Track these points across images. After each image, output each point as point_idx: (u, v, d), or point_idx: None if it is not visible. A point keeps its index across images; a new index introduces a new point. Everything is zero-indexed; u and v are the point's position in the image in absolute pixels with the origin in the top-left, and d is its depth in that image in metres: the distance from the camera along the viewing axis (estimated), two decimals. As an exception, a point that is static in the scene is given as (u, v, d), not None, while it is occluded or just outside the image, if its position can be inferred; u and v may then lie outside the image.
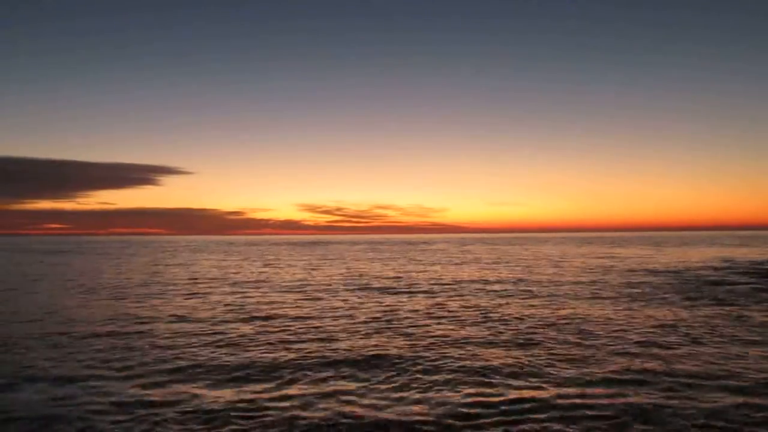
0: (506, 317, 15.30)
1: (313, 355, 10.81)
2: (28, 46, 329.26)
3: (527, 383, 8.75)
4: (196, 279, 27.55)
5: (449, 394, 8.23)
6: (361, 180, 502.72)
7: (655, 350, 11.02)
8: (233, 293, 21.18)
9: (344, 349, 11.22)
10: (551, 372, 9.40)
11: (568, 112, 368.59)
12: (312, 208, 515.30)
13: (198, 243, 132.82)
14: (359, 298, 19.59)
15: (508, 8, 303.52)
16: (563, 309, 16.59)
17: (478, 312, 16.17)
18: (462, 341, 12.08)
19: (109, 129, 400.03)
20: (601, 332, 12.92)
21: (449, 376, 9.25)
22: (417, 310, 16.46)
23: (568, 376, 9.15)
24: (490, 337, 12.52)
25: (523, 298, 19.13)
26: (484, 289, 21.80)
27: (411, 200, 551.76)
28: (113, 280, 27.09)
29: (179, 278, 28.45)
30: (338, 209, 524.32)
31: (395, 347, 11.37)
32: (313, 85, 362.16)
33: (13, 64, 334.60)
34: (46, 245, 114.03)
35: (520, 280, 25.78)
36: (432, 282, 25.13)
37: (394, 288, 22.83)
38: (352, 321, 14.71)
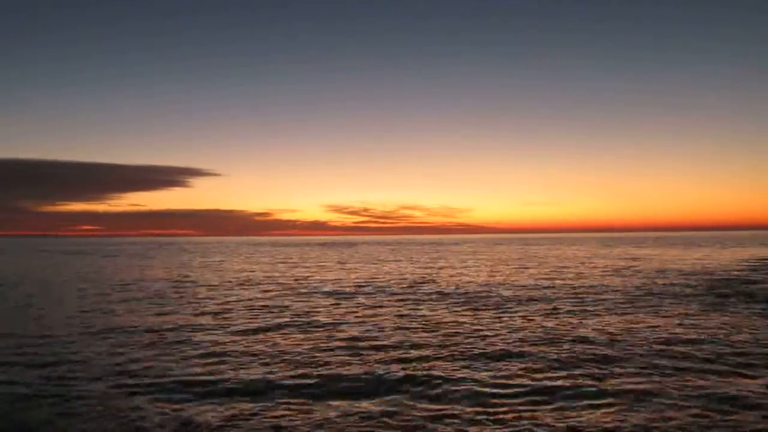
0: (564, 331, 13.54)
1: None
2: (60, 50, 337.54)
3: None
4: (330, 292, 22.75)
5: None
6: (388, 181, 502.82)
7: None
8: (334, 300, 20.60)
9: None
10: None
11: (599, 111, 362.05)
12: (338, 209, 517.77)
13: (237, 244, 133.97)
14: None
15: (538, 7, 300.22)
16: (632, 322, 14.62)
17: (542, 328, 13.92)
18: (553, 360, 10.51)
19: (139, 132, 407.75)
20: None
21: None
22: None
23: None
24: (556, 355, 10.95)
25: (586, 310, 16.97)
26: (540, 298, 19.90)
27: (437, 201, 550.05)
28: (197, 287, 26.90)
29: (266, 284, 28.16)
30: (365, 210, 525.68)
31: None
32: (339, 86, 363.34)
33: (47, 69, 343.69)
34: (86, 246, 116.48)
35: (573, 288, 24.42)
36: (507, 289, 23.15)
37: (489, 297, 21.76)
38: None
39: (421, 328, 14.13)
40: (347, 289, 23.41)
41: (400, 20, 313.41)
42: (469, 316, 16.07)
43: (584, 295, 20.53)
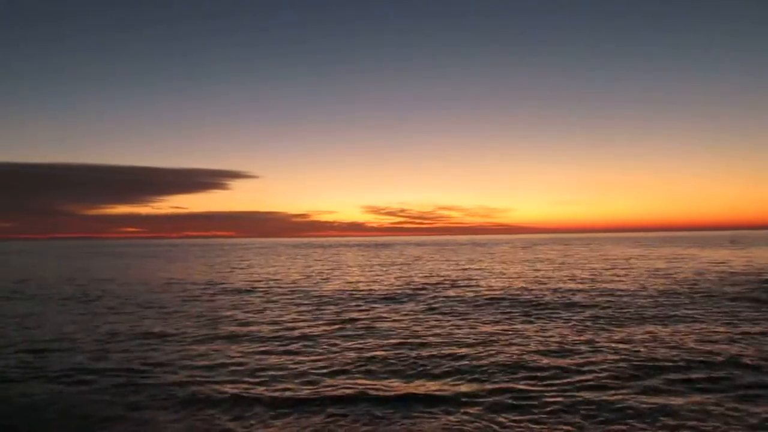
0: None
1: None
2: (108, 56, 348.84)
3: None
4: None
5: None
6: (425, 181, 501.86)
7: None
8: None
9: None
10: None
11: (636, 110, 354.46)
12: (376, 210, 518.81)
13: (284, 245, 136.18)
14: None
15: (572, 6, 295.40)
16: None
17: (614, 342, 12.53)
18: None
19: (180, 136, 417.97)
20: None
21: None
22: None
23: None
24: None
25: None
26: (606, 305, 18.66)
27: (474, 201, 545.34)
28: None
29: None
30: (402, 211, 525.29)
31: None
32: (375, 88, 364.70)
33: (95, 76, 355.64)
34: (142, 248, 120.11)
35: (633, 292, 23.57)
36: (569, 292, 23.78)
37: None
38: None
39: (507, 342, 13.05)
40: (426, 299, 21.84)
41: (434, 21, 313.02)
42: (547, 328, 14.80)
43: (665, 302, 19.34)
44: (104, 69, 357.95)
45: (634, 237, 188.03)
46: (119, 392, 9.36)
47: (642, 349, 11.92)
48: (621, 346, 12.30)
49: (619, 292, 22.02)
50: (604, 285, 25.08)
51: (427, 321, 16.19)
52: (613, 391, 9.06)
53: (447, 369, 10.67)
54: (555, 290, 23.22)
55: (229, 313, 17.98)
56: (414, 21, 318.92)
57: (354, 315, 17.43)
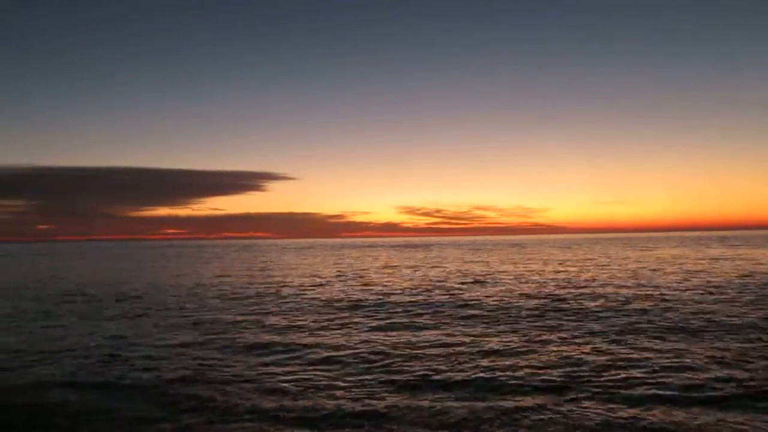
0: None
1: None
2: (150, 62, 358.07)
3: None
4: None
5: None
6: (460, 181, 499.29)
7: None
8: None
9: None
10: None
11: (676, 106, 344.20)
12: (411, 210, 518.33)
13: (323, 245, 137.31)
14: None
15: (613, 4, 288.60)
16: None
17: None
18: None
19: (219, 138, 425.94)
20: None
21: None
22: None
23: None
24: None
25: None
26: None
27: (511, 201, 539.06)
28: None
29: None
30: (437, 211, 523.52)
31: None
32: (410, 88, 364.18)
33: (134, 80, 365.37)
34: (189, 249, 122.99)
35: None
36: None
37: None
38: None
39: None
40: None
41: (466, 18, 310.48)
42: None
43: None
44: (148, 74, 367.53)
45: (679, 236, 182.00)
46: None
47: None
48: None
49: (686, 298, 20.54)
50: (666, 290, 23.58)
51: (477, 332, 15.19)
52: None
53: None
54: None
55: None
56: (446, 19, 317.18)
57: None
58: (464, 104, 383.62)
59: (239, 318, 17.20)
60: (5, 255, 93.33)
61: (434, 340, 13.26)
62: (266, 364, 11.20)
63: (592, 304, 18.76)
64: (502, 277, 30.82)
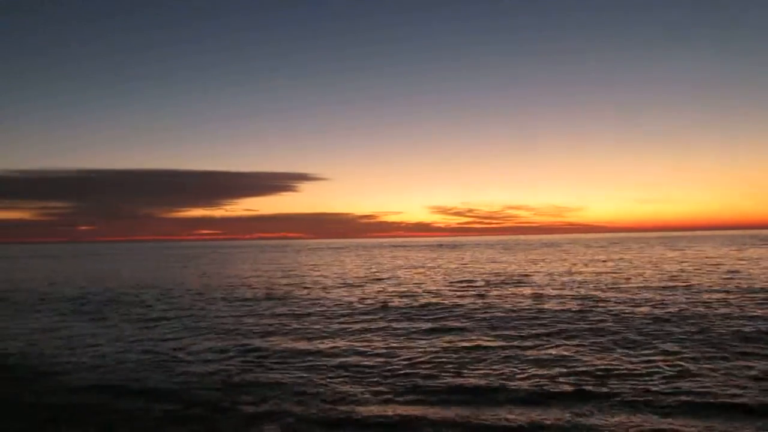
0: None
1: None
2: (183, 64, 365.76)
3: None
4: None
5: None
6: (492, 181, 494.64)
7: None
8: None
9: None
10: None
11: (723, 100, 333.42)
12: (443, 210, 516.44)
13: (364, 246, 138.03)
14: None
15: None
16: None
17: None
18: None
19: (251, 140, 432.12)
20: None
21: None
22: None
23: None
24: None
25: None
26: None
27: (544, 200, 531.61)
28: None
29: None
30: (469, 211, 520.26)
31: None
32: (442, 87, 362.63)
33: (169, 84, 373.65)
34: (225, 249, 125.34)
35: None
36: None
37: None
38: None
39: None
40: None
41: (496, 17, 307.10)
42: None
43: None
44: (185, 78, 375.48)
45: (723, 235, 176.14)
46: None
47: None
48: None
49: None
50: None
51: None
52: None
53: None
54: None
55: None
56: (473, 18, 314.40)
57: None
58: (497, 102, 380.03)
59: (269, 321, 17.41)
60: (54, 255, 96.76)
61: (463, 346, 13.17)
62: (300, 369, 11.30)
63: (625, 307, 18.34)
64: (538, 279, 30.37)
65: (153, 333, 15.75)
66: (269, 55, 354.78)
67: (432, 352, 12.44)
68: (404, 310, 18.98)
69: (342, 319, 17.36)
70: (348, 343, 13.69)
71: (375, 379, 10.36)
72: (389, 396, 9.37)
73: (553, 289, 24.72)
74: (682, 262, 41.77)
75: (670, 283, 25.63)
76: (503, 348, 12.67)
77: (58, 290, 29.30)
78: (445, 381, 10.12)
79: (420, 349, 12.78)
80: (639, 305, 18.74)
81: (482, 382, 9.98)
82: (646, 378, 9.94)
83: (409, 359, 11.85)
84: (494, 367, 11.01)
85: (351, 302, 21.57)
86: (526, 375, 10.37)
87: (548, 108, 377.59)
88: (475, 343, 13.26)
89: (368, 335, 14.72)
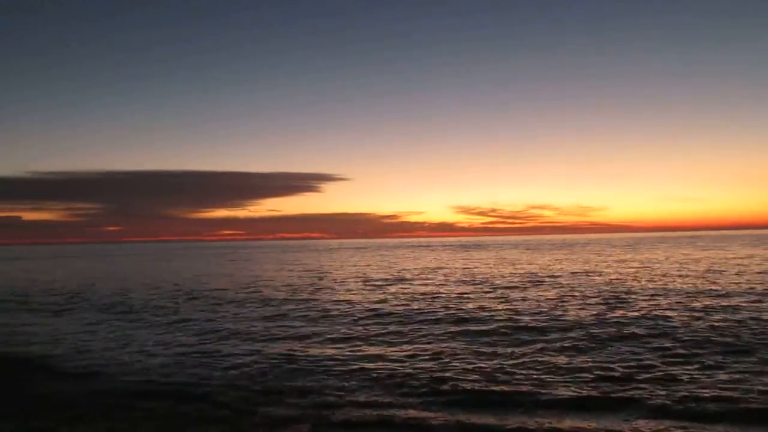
0: None
1: None
2: (206, 63, 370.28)
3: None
4: None
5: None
6: (516, 180, 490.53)
7: None
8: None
9: None
10: None
11: (748, 96, 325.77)
12: (466, 210, 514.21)
13: (377, 246, 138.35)
14: None
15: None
16: None
17: None
18: None
19: (274, 140, 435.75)
20: None
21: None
22: None
23: None
24: None
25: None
26: None
27: (569, 199, 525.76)
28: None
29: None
30: (492, 210, 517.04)
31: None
32: (464, 86, 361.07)
33: (193, 85, 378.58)
34: (252, 250, 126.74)
35: None
36: None
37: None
38: None
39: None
40: None
41: (518, 12, 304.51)
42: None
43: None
44: (205, 79, 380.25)
45: (755, 235, 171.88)
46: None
47: None
48: None
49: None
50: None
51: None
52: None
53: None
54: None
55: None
56: (495, 15, 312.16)
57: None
58: (520, 101, 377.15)
59: (295, 324, 17.45)
60: (82, 256, 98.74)
61: (491, 351, 13.00)
62: (328, 372, 11.28)
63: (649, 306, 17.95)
64: (568, 279, 29.94)
65: (183, 333, 15.94)
66: (292, 55, 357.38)
67: (457, 356, 12.30)
68: (427, 313, 18.76)
69: (367, 322, 17.27)
70: (374, 347, 13.62)
71: (400, 383, 10.29)
72: (415, 400, 9.30)
73: (585, 291, 24.32)
74: (704, 261, 40.83)
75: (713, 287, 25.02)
76: (533, 353, 12.48)
77: (91, 291, 29.84)
78: (473, 386, 9.97)
79: (446, 353, 12.62)
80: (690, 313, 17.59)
81: (511, 388, 9.79)
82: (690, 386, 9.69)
83: (436, 363, 11.74)
84: (524, 372, 10.83)
85: (376, 304, 21.51)
86: (557, 380, 10.19)
87: (572, 106, 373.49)
88: (501, 348, 13.06)
89: (394, 338, 14.65)
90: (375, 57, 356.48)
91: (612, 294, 22.34)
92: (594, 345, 12.96)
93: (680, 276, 29.83)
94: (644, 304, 19.28)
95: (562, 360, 11.65)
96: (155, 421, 8.35)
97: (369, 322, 17.18)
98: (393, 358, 12.33)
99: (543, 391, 9.56)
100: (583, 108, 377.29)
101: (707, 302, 19.18)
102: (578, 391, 9.46)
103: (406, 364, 11.71)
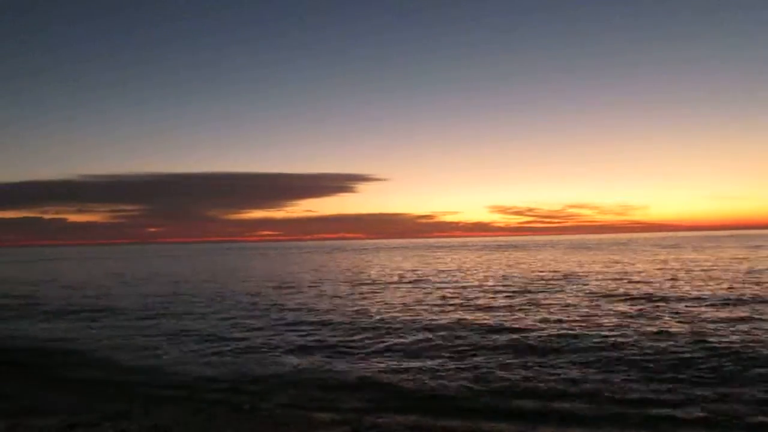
0: None
1: None
2: (244, 64, 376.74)
3: None
4: None
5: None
6: (554, 179, 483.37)
7: None
8: None
9: None
10: None
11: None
12: (502, 210, 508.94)
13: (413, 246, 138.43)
14: None
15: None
16: None
17: None
18: None
19: (310, 141, 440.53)
20: None
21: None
22: None
23: None
24: None
25: None
26: None
27: (608, 198, 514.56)
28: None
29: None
30: (529, 210, 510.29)
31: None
32: (501, 85, 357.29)
33: (232, 89, 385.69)
34: (310, 250, 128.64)
35: None
36: None
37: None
38: None
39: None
40: None
41: (558, 13, 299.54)
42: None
43: None
44: (242, 80, 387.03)
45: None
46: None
47: None
48: None
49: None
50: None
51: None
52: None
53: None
54: None
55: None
56: (533, 16, 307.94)
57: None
58: (557, 98, 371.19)
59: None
60: (127, 257, 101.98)
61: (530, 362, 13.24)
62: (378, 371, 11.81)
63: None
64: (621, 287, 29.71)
65: (229, 329, 16.73)
66: (330, 58, 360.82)
67: (490, 365, 12.36)
68: (470, 321, 18.00)
69: (417, 335, 15.77)
70: (423, 362, 12.92)
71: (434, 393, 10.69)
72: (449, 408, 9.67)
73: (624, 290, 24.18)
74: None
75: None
76: (566, 365, 12.54)
77: (140, 291, 31.11)
78: (502, 397, 10.07)
79: (484, 363, 12.60)
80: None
81: (535, 404, 9.64)
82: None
83: (473, 371, 11.84)
84: (551, 385, 10.82)
85: (424, 306, 21.72)
86: (579, 391, 10.32)
87: (612, 104, 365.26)
88: (535, 361, 12.93)
89: (435, 345, 14.66)
90: (412, 58, 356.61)
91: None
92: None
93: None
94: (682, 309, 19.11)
95: (600, 375, 11.74)
96: (203, 414, 9.07)
97: (419, 335, 17.13)
98: (439, 368, 12.16)
99: (564, 404, 9.70)
100: (623, 105, 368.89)
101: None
102: (609, 403, 9.70)
103: (451, 371, 11.80)
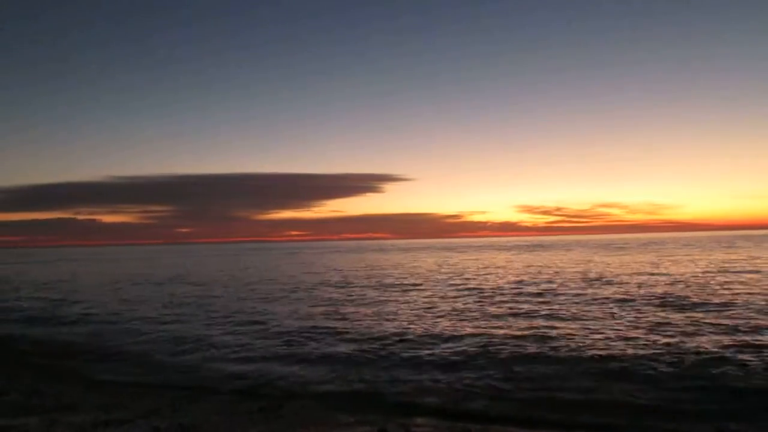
0: None
1: None
2: (271, 64, 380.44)
3: None
4: None
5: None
6: (582, 178, 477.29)
7: None
8: None
9: None
10: None
11: None
12: (530, 209, 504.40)
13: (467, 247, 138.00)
14: None
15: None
16: None
17: None
18: None
19: (337, 141, 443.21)
20: None
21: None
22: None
23: None
24: None
25: None
26: None
27: (638, 197, 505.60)
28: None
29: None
30: (557, 209, 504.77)
31: None
32: (529, 85, 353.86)
33: (257, 91, 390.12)
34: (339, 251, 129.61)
35: None
36: None
37: None
38: None
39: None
40: None
41: (584, 13, 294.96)
42: None
43: None
44: (269, 79, 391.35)
45: None
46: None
47: None
48: None
49: None
50: None
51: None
52: None
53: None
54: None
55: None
56: (557, 15, 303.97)
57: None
58: (585, 98, 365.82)
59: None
60: (161, 256, 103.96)
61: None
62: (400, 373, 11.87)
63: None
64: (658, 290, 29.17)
65: (257, 331, 16.96)
66: (357, 59, 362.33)
67: (520, 373, 12.26)
68: (501, 327, 17.46)
69: (448, 343, 15.14)
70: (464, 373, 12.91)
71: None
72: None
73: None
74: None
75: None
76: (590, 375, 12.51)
77: (173, 290, 31.77)
78: (530, 406, 10.01)
79: (514, 372, 12.41)
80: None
81: (560, 416, 9.43)
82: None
83: (502, 379, 11.77)
84: (574, 396, 10.75)
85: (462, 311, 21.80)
86: (608, 402, 10.27)
87: (641, 103, 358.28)
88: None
89: (465, 351, 14.63)
90: (439, 58, 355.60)
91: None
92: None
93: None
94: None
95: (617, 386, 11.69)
96: (229, 412, 9.30)
97: (450, 345, 17.67)
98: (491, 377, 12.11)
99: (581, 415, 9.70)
100: (655, 104, 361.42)
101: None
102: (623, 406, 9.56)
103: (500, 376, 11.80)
